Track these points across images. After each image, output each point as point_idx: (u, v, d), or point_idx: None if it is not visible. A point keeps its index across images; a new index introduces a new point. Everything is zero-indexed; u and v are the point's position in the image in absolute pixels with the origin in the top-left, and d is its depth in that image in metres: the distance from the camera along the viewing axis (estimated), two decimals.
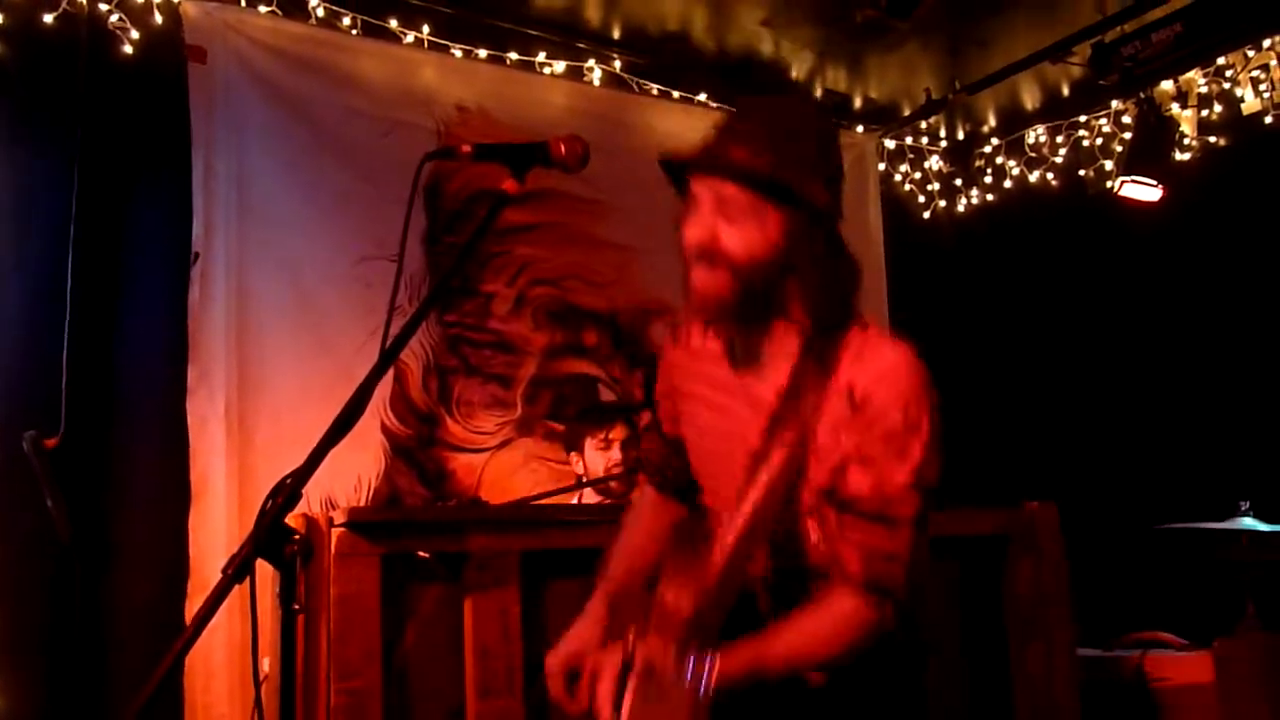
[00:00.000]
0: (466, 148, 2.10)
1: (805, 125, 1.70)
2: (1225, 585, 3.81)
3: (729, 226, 1.64)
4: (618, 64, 4.73)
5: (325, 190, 4.02)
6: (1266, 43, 4.64)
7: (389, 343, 2.00)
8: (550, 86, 4.58)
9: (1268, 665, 3.47)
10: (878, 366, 1.61)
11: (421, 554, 2.72)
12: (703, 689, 1.52)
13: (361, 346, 3.92)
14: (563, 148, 1.89)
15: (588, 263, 4.48)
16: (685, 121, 4.69)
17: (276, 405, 3.74)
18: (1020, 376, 5.26)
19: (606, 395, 4.36)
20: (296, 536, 1.76)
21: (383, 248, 4.06)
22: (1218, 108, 4.85)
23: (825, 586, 1.64)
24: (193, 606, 3.40)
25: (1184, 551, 4.05)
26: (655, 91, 4.85)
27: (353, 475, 3.86)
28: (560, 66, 4.62)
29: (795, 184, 1.62)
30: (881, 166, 5.50)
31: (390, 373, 3.97)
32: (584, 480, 3.96)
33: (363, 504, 3.76)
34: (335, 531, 2.65)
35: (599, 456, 3.79)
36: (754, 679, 1.58)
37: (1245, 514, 3.75)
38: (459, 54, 4.43)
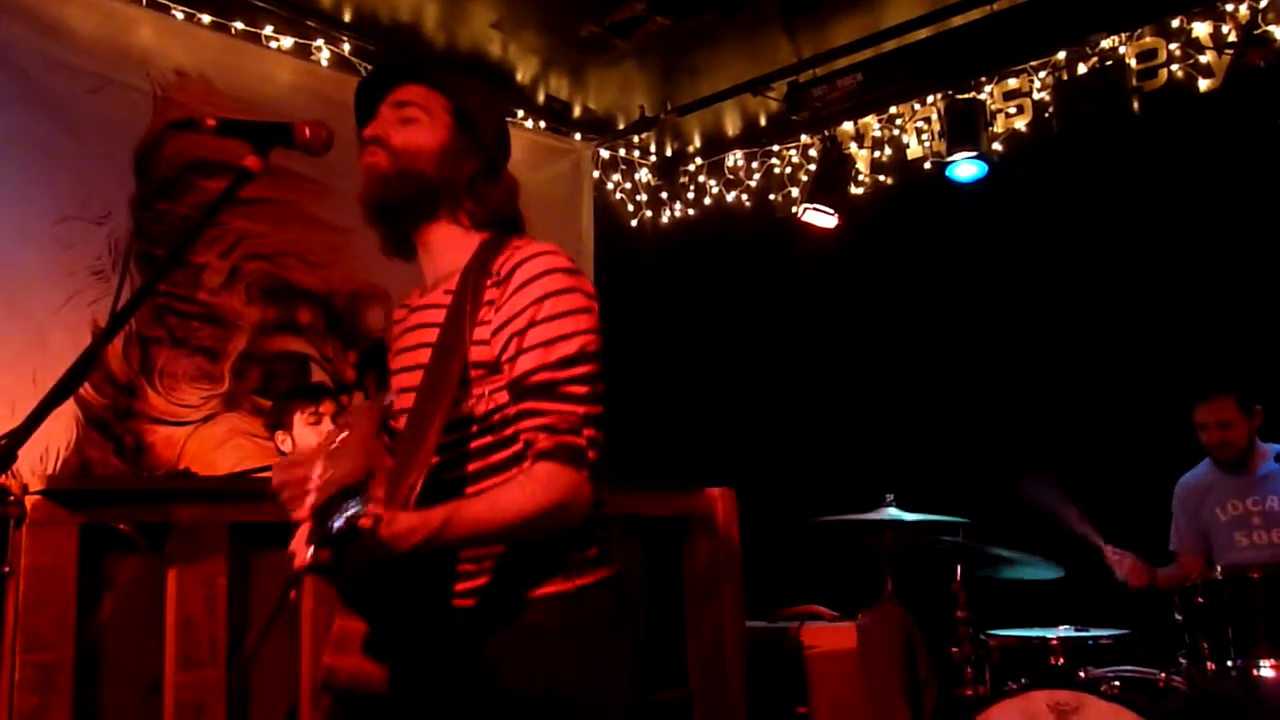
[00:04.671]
0: (211, 121, 2.12)
1: (488, 98, 1.94)
2: (870, 566, 4.36)
3: (400, 126, 1.81)
4: (347, 47, 4.73)
5: (23, 143, 3.80)
6: (930, 99, 5.34)
7: (119, 307, 2.00)
8: (276, 61, 4.54)
9: (897, 633, 4.03)
10: (522, 252, 1.72)
11: (121, 527, 2.68)
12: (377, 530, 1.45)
13: (58, 310, 3.74)
14: (308, 132, 1.87)
15: (305, 241, 4.47)
16: None
17: None
18: (707, 376, 5.74)
19: (318, 375, 4.37)
20: (10, 498, 1.75)
21: (87, 208, 3.89)
22: (888, 150, 5.52)
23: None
24: None
25: (838, 536, 4.58)
26: None
27: (39, 445, 3.67)
28: (288, 42, 4.58)
29: (471, 104, 1.84)
30: (596, 174, 5.81)
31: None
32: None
33: (51, 474, 3.58)
34: (30, 499, 2.57)
35: (309, 432, 3.78)
36: (438, 538, 1.52)
37: (890, 505, 4.31)
38: (180, 16, 4.30)
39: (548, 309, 1.66)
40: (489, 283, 1.70)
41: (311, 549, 1.45)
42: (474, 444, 1.70)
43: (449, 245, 1.82)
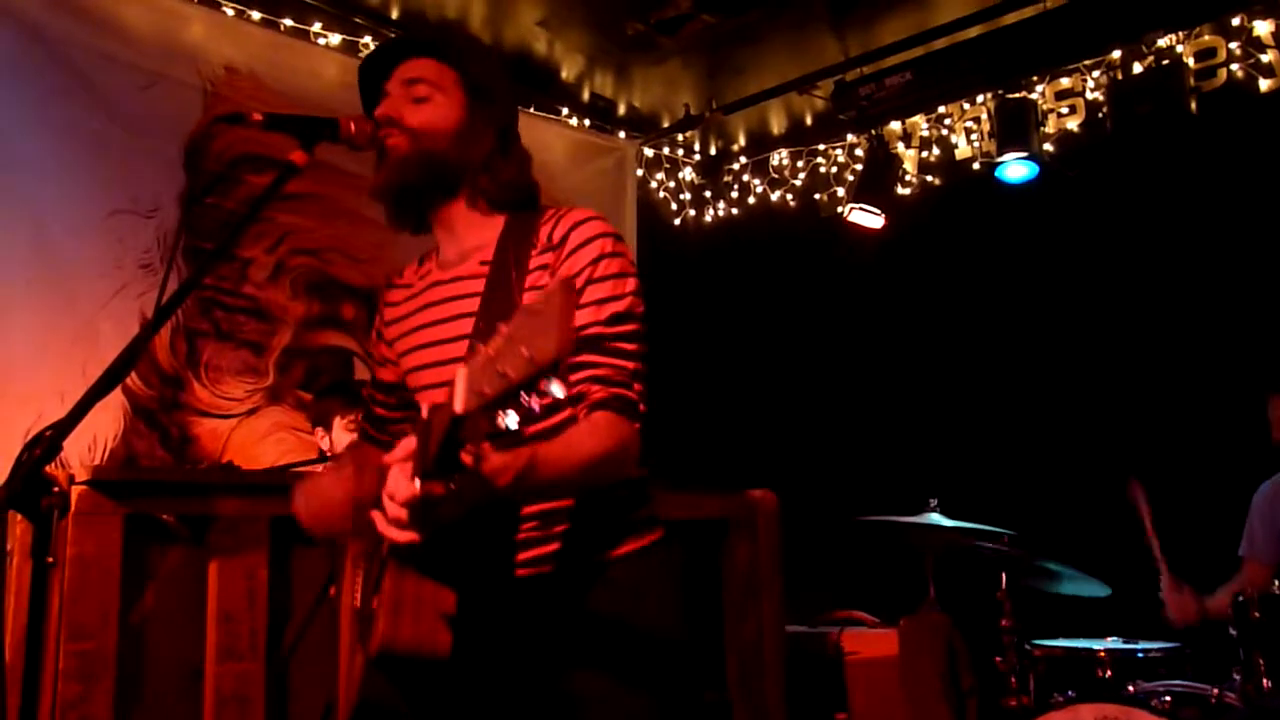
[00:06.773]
0: (258, 115, 2.11)
1: (493, 61, 1.92)
2: (912, 571, 4.31)
3: (414, 106, 1.80)
4: None
5: (77, 137, 3.85)
6: (980, 99, 5.26)
7: (164, 300, 2.00)
8: (324, 58, 4.56)
9: (940, 641, 3.97)
10: (572, 217, 1.77)
11: (165, 518, 2.71)
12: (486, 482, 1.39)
13: (107, 303, 3.79)
14: (353, 126, 1.88)
15: (350, 237, 4.49)
16: None
17: (9, 359, 3.55)
18: (750, 377, 5.70)
19: (361, 370, 4.39)
20: (55, 489, 1.75)
21: (137, 202, 3.94)
22: (936, 150, 5.44)
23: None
24: None
25: (880, 540, 4.53)
26: None
27: (88, 435, 3.72)
28: (335, 39, 4.60)
29: (483, 76, 1.83)
30: (639, 173, 5.79)
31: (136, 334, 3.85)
32: (328, 455, 3.98)
33: (97, 465, 3.63)
34: (76, 489, 2.59)
35: (346, 437, 3.80)
36: (526, 478, 1.46)
37: (933, 510, 4.25)
38: (230, 13, 4.34)
39: (602, 269, 1.71)
40: (535, 251, 1.74)
41: (419, 480, 1.34)
42: None
43: (471, 221, 1.83)
